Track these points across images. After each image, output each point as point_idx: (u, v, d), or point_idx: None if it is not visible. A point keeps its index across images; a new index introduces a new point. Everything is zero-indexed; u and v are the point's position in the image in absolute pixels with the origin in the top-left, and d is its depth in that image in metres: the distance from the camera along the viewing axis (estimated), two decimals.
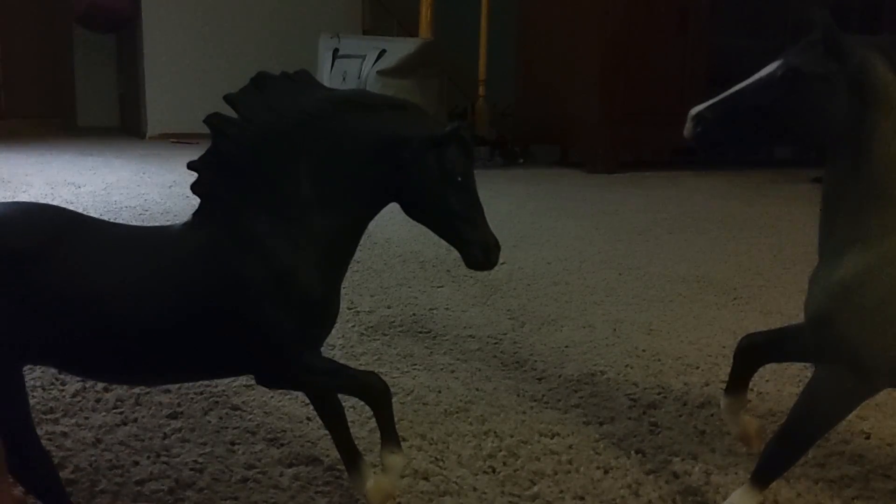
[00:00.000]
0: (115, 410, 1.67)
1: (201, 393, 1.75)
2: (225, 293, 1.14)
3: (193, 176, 1.20)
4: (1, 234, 1.09)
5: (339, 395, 1.33)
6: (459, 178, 1.17)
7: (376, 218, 1.30)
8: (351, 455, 1.32)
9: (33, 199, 3.36)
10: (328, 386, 1.25)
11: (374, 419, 1.62)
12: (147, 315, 1.13)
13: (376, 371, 1.29)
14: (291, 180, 1.17)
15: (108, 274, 1.12)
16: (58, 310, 1.10)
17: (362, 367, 1.56)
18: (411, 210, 1.22)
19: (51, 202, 2.85)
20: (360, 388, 1.22)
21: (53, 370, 1.81)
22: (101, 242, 1.15)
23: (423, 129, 1.17)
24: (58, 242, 1.11)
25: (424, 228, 1.24)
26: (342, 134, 1.18)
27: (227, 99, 1.20)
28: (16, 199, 3.42)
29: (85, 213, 1.26)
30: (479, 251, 1.19)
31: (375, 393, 1.22)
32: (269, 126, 1.18)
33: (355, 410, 1.65)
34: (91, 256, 1.12)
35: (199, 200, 1.21)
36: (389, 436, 1.23)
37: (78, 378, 1.78)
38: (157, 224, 2.10)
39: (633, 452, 1.57)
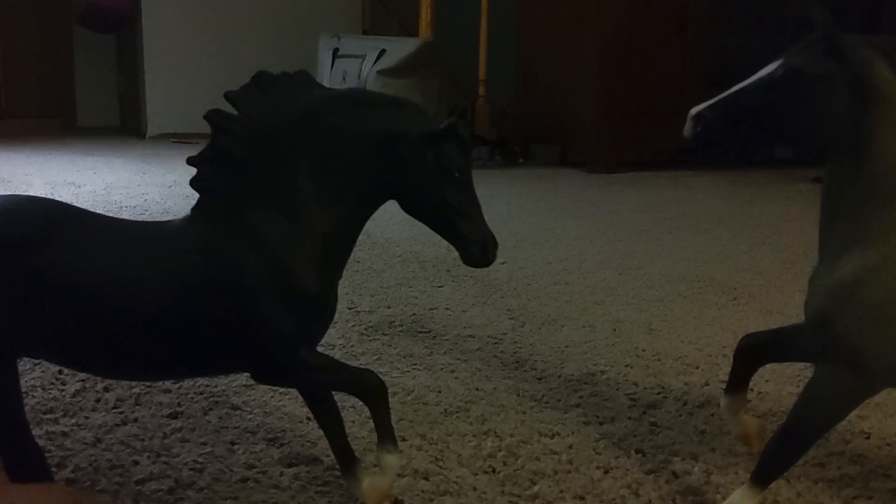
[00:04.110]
0: (115, 410, 1.67)
1: (201, 393, 1.75)
2: (223, 288, 1.14)
3: (194, 173, 1.21)
4: None
5: (338, 396, 1.33)
6: (456, 174, 1.18)
7: (376, 218, 1.30)
8: (346, 457, 1.31)
9: None
10: (324, 382, 1.25)
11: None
12: (143, 308, 1.13)
13: (376, 371, 1.29)
14: (290, 176, 1.18)
15: (104, 266, 1.12)
16: (51, 300, 1.10)
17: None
18: (409, 206, 1.22)
19: None
20: (356, 385, 1.22)
21: (54, 369, 1.81)
22: (98, 234, 1.15)
23: (420, 126, 1.18)
24: (52, 233, 1.11)
25: (425, 228, 1.24)
26: (341, 130, 1.18)
27: (228, 96, 1.20)
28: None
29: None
30: (477, 248, 1.20)
31: (371, 391, 1.21)
32: (269, 122, 1.18)
33: (355, 410, 1.65)
34: (87, 248, 1.12)
35: (198, 196, 1.21)
36: (385, 434, 1.23)
37: (78, 378, 1.78)
38: None
39: (633, 452, 1.57)
